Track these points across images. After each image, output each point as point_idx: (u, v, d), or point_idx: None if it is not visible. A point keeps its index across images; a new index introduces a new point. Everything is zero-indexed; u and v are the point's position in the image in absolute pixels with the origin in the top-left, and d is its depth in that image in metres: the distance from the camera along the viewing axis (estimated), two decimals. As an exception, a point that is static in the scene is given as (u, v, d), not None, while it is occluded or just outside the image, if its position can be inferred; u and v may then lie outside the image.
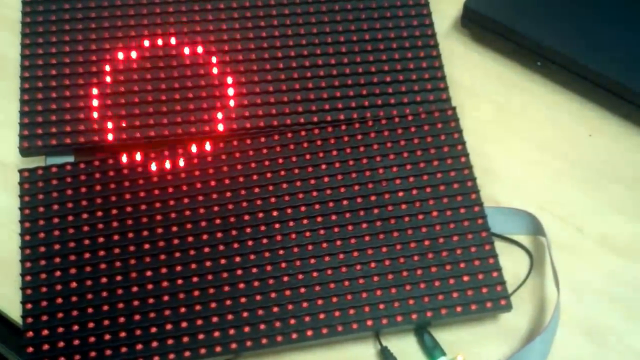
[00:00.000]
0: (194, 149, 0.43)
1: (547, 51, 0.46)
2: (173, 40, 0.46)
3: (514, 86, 0.49)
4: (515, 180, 0.45)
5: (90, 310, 0.39)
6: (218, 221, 0.41)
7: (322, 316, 0.39)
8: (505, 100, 0.48)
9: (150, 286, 0.40)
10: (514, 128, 0.47)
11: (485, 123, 0.47)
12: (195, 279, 0.40)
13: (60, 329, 0.39)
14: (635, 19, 0.46)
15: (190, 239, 0.41)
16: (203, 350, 0.39)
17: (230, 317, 0.39)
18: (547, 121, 0.47)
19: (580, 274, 0.42)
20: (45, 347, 0.38)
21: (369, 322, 0.39)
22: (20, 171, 0.42)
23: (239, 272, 0.40)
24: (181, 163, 0.43)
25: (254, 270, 0.40)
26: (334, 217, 0.42)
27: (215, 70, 0.46)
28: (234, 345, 0.39)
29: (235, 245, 0.41)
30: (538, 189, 0.45)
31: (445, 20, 0.51)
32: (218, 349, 0.39)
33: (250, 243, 0.41)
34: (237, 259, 0.41)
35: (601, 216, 0.44)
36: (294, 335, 0.39)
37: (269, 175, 0.43)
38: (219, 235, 0.41)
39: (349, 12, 0.48)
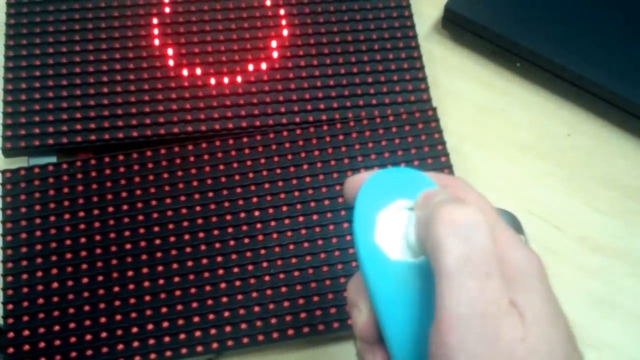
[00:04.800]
0: (176, 150, 0.43)
1: (527, 52, 0.46)
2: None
3: (494, 87, 0.49)
4: (495, 180, 0.46)
5: (71, 310, 0.39)
6: (200, 221, 0.42)
7: (303, 315, 0.40)
8: (485, 100, 0.49)
9: (131, 286, 0.40)
10: (493, 128, 0.48)
11: (465, 123, 0.48)
12: (177, 279, 0.40)
13: (42, 330, 0.39)
14: (613, 20, 0.47)
15: (172, 239, 0.41)
16: (184, 350, 0.39)
17: (211, 316, 0.39)
18: (527, 121, 0.48)
19: (560, 273, 0.43)
20: (26, 347, 0.38)
21: (350, 322, 0.39)
22: (3, 172, 0.42)
23: (221, 271, 0.40)
24: (163, 164, 0.43)
25: (236, 270, 0.40)
26: (315, 217, 0.42)
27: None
28: (215, 345, 0.39)
29: (217, 245, 0.41)
30: (517, 189, 0.46)
31: (427, 21, 0.51)
32: (199, 348, 0.39)
33: (232, 243, 0.41)
34: (219, 258, 0.41)
35: (580, 215, 0.45)
36: (275, 335, 0.39)
37: (251, 175, 0.43)
38: (201, 235, 0.41)
39: (331, 14, 0.48)
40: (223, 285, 0.40)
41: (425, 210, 0.22)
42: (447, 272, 0.20)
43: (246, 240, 0.41)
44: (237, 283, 0.40)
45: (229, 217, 0.42)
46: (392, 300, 0.22)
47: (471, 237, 0.20)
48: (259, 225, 0.42)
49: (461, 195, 0.24)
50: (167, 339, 0.39)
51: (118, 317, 0.39)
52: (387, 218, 0.23)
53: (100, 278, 0.40)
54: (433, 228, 0.21)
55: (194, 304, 0.40)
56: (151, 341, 0.39)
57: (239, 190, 0.43)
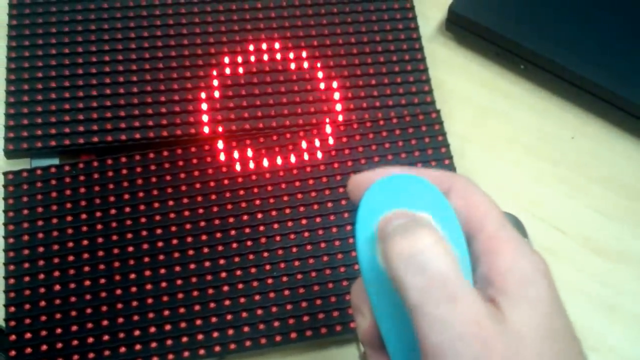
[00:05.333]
0: (179, 152, 0.43)
1: (530, 54, 0.46)
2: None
3: (498, 89, 0.49)
4: (498, 182, 0.46)
5: (73, 313, 0.39)
6: (202, 224, 0.41)
7: (306, 318, 0.40)
8: (489, 103, 0.48)
9: (134, 289, 0.40)
10: (497, 130, 0.47)
11: (469, 126, 0.47)
12: (179, 282, 0.40)
13: (44, 332, 0.39)
14: (617, 22, 0.47)
15: (174, 241, 0.41)
16: (186, 353, 0.39)
17: (214, 319, 0.39)
18: (530, 124, 0.48)
19: (562, 275, 0.42)
20: (28, 350, 0.38)
21: (352, 325, 0.39)
22: (5, 174, 0.42)
23: (223, 274, 0.40)
24: (166, 166, 0.43)
25: (238, 272, 0.40)
26: (318, 220, 0.42)
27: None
28: (217, 348, 0.39)
29: (220, 248, 0.41)
30: (520, 191, 0.45)
31: (430, 23, 0.51)
32: (202, 351, 0.39)
33: (234, 245, 0.41)
34: (222, 261, 0.41)
35: (583, 218, 0.45)
36: (278, 338, 0.39)
37: (254, 177, 0.43)
38: (204, 238, 0.41)
39: (334, 16, 0.48)
40: (225, 288, 0.40)
41: (382, 242, 0.21)
42: (413, 306, 0.20)
43: (249, 243, 0.41)
44: (240, 286, 0.40)
45: (231, 220, 0.42)
46: (392, 311, 0.22)
47: (425, 266, 0.20)
48: (261, 228, 0.41)
49: (465, 196, 0.23)
50: (169, 342, 0.39)
51: (120, 319, 0.39)
52: None
53: (102, 281, 0.40)
54: (389, 265, 0.21)
55: (197, 307, 0.39)
56: (153, 344, 0.39)
57: (241, 192, 0.42)
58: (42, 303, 0.39)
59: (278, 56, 0.47)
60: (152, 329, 0.39)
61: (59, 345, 0.38)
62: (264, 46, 0.47)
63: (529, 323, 0.20)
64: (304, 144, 0.44)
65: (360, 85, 0.46)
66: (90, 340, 0.39)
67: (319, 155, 0.44)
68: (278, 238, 0.41)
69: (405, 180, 0.24)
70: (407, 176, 0.24)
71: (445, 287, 0.19)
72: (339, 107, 0.45)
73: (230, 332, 0.39)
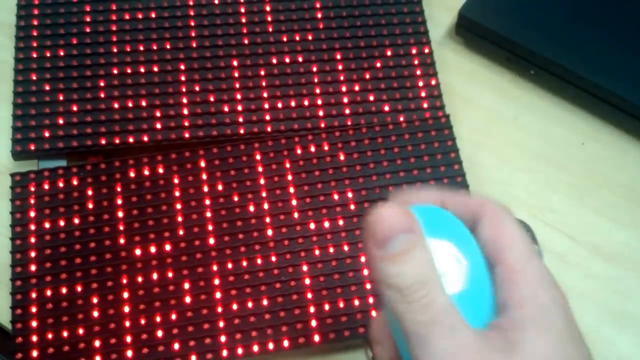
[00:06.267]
0: (187, 155, 0.43)
1: (541, 60, 0.46)
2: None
3: (508, 94, 0.49)
4: (508, 188, 0.45)
5: (80, 316, 0.39)
6: (210, 227, 0.41)
7: (314, 323, 0.39)
8: (499, 108, 0.48)
9: (141, 292, 0.39)
10: (506, 136, 0.47)
11: (479, 131, 0.47)
12: (186, 286, 0.40)
13: (50, 335, 0.38)
14: (630, 29, 0.47)
15: (182, 244, 0.41)
16: (193, 357, 0.38)
17: (221, 324, 0.39)
18: (540, 129, 0.48)
19: (572, 282, 0.42)
20: (35, 353, 0.38)
21: (361, 329, 0.39)
22: (12, 175, 0.42)
23: (231, 278, 0.40)
24: (174, 168, 0.43)
25: (246, 277, 0.40)
26: (327, 225, 0.42)
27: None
28: (225, 353, 0.38)
29: (227, 252, 0.41)
30: (530, 197, 0.45)
31: (440, 28, 0.51)
32: (209, 355, 0.38)
33: (242, 249, 0.41)
34: (230, 265, 0.40)
35: (594, 224, 0.44)
36: (286, 343, 0.39)
37: (262, 181, 0.43)
38: (211, 242, 0.41)
39: (344, 19, 0.48)
40: (233, 292, 0.40)
41: (374, 266, 0.21)
42: (413, 335, 0.20)
43: (257, 247, 0.41)
44: (248, 290, 0.40)
45: (239, 224, 0.41)
46: None
47: (427, 301, 0.20)
48: (270, 233, 0.41)
49: (495, 225, 0.23)
50: (176, 345, 0.38)
51: (128, 322, 0.39)
52: None
53: (109, 283, 0.40)
54: (388, 297, 0.21)
55: (204, 311, 0.39)
56: (160, 348, 0.38)
57: (249, 195, 0.42)
58: (49, 305, 0.39)
59: (287, 59, 0.46)
60: (160, 334, 0.39)
61: (66, 348, 0.38)
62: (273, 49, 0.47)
63: (541, 351, 0.20)
64: (312, 148, 0.44)
65: (369, 89, 0.46)
66: (97, 343, 0.38)
67: (327, 159, 0.43)
68: (286, 242, 0.41)
69: (427, 211, 0.24)
70: (428, 208, 0.24)
71: (446, 319, 0.20)
72: (348, 110, 0.45)
73: (238, 336, 0.39)
